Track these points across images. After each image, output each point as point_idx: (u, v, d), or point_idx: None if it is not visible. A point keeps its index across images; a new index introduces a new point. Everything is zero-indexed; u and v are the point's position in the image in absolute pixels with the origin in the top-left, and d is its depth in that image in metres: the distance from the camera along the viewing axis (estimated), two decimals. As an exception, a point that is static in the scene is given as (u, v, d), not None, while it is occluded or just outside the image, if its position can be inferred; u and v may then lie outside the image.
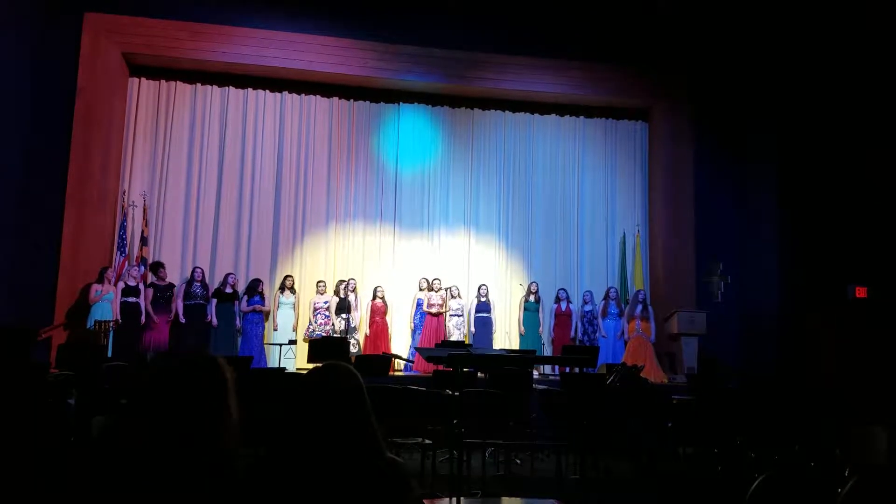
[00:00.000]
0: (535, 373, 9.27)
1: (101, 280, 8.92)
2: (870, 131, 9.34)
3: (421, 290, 10.22)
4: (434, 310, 10.01)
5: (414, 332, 10.10)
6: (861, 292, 9.47)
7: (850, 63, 9.63)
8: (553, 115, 11.32)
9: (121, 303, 8.94)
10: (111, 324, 8.79)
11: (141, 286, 9.20)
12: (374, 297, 10.07)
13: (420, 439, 5.19)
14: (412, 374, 9.29)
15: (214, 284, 9.72)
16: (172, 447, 1.64)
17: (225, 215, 10.28)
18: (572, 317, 10.32)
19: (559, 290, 10.44)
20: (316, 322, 9.79)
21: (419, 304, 10.14)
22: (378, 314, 10.02)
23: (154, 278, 9.35)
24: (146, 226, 9.86)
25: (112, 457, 1.63)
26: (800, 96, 10.36)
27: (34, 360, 6.40)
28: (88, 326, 8.70)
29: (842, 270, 9.60)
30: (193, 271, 9.57)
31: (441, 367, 6.83)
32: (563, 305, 10.30)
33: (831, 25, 9.66)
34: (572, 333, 10.26)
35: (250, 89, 10.56)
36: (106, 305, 8.82)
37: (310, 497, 1.68)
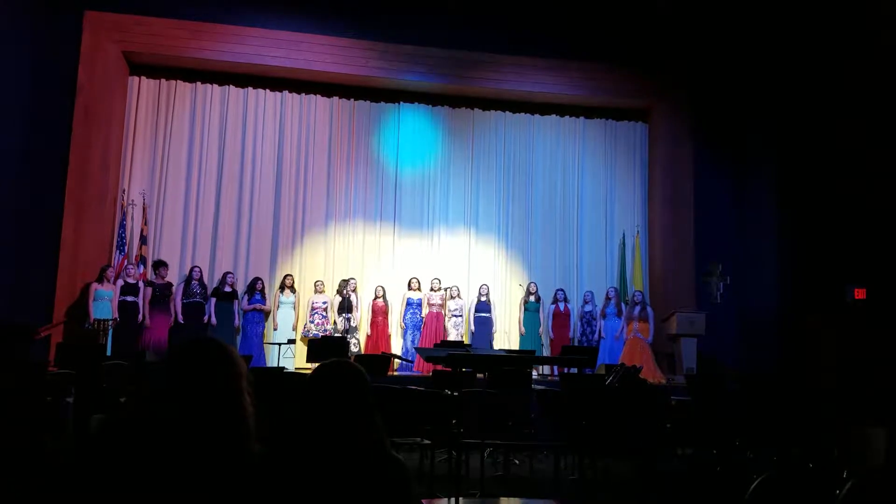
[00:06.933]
0: (535, 373, 9.27)
1: (100, 279, 8.91)
2: (869, 132, 9.34)
3: (410, 289, 10.21)
4: (435, 308, 10.03)
5: (405, 331, 10.09)
6: (860, 294, 9.45)
7: (849, 63, 9.63)
8: (553, 116, 11.32)
9: (119, 301, 8.93)
10: (110, 322, 8.79)
11: (140, 285, 9.20)
12: (376, 297, 10.07)
13: (418, 439, 5.18)
14: (411, 373, 9.28)
15: (213, 283, 9.72)
16: (191, 440, 1.61)
17: (224, 214, 10.28)
18: (570, 317, 10.31)
19: (557, 290, 10.44)
20: (312, 322, 9.78)
21: (409, 304, 10.13)
22: (380, 314, 10.02)
23: (154, 276, 9.34)
24: (145, 224, 9.85)
25: (118, 453, 1.59)
26: (799, 97, 10.36)
27: (33, 359, 6.41)
28: (87, 325, 8.70)
29: (841, 271, 9.59)
30: (192, 270, 9.57)
31: (440, 367, 6.84)
32: (562, 306, 10.29)
33: (830, 25, 9.66)
34: (570, 334, 10.26)
35: (250, 88, 10.55)
36: (105, 304, 8.81)
37: (312, 492, 1.68)
